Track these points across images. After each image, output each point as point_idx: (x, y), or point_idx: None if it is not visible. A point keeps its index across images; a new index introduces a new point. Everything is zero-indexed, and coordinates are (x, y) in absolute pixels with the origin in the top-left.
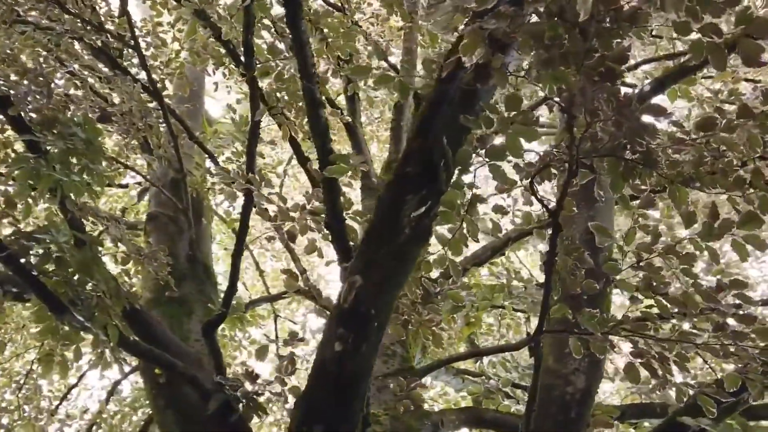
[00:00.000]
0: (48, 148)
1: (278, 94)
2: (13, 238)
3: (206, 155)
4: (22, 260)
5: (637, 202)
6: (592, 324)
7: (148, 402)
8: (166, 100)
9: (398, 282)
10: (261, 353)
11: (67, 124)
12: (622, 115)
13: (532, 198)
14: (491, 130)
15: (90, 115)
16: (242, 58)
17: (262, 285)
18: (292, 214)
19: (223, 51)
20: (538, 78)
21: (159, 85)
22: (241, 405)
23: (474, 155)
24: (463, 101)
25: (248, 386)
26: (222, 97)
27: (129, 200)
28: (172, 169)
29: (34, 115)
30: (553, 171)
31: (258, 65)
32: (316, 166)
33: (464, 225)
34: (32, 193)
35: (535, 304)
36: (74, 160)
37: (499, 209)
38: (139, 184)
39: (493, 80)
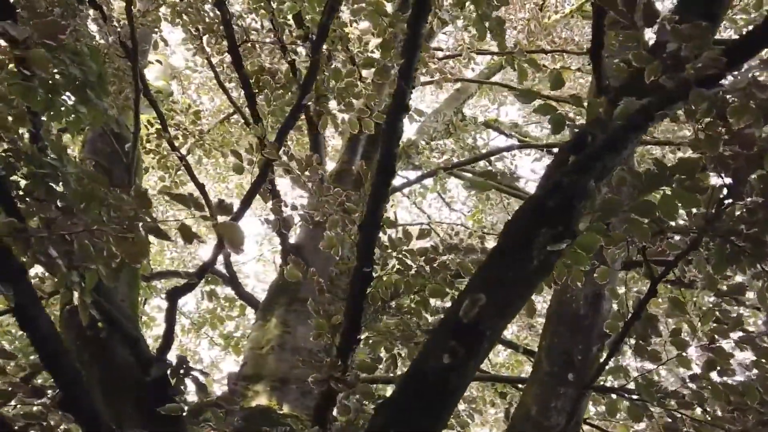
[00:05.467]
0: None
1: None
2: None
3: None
4: None
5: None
6: (648, 393)
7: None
8: None
9: (516, 310)
10: None
11: (78, 52)
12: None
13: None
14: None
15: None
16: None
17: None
18: (326, 208)
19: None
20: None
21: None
22: (177, 379)
23: None
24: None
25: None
26: None
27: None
28: (117, 122)
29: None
30: None
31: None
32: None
33: None
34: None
35: None
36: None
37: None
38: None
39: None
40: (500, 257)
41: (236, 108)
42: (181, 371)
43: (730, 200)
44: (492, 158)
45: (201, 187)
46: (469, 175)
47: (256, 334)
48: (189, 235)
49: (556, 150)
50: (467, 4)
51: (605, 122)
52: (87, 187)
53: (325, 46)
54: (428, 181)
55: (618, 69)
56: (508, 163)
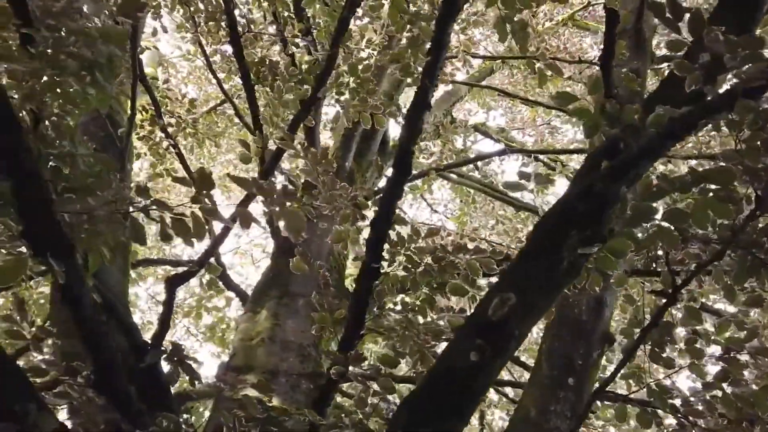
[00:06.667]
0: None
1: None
2: None
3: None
4: None
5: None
6: (662, 401)
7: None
8: None
9: (543, 311)
10: None
11: (87, 34)
12: None
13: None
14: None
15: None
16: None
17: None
18: (337, 202)
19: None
20: None
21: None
22: (170, 366)
23: None
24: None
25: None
26: None
27: None
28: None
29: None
30: None
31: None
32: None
33: None
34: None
35: None
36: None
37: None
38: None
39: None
40: (530, 258)
41: (228, 99)
42: (175, 359)
43: (759, 212)
44: (483, 161)
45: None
46: (454, 176)
47: (245, 326)
48: (248, 220)
49: (542, 156)
50: (466, 6)
51: (638, 129)
52: (95, 169)
53: (323, 42)
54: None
55: (626, 78)
56: (495, 167)
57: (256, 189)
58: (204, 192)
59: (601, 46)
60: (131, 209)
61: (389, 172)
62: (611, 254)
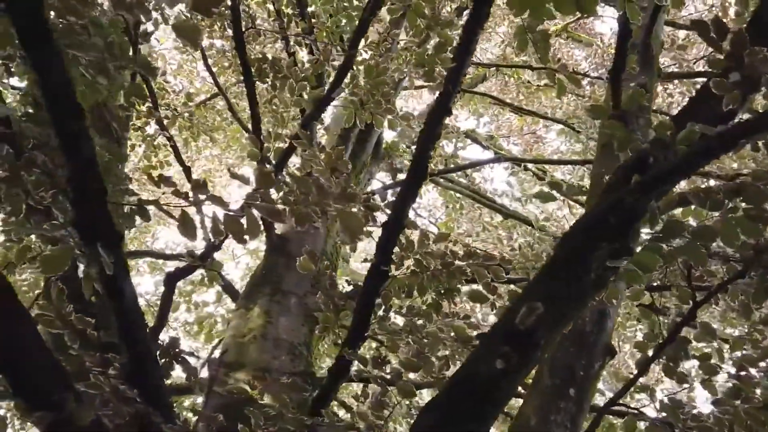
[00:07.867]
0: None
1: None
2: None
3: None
4: None
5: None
6: (675, 415)
7: None
8: None
9: (569, 322)
10: None
11: (99, 23)
12: None
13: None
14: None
15: None
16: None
17: None
18: (350, 202)
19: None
20: None
21: None
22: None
23: None
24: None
25: (375, 371)
26: None
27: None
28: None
29: None
30: None
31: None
32: None
33: None
34: None
35: None
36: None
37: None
38: None
39: None
40: (558, 268)
41: (223, 94)
42: (172, 353)
43: None
44: (477, 167)
45: (187, 169)
46: (443, 181)
47: (237, 322)
48: (304, 219)
49: (531, 165)
50: (465, 12)
51: (667, 145)
52: (104, 159)
53: (324, 41)
54: None
55: (636, 93)
56: (484, 174)
57: (316, 188)
58: (263, 190)
59: (593, 59)
60: (185, 204)
61: (380, 175)
62: (639, 268)
